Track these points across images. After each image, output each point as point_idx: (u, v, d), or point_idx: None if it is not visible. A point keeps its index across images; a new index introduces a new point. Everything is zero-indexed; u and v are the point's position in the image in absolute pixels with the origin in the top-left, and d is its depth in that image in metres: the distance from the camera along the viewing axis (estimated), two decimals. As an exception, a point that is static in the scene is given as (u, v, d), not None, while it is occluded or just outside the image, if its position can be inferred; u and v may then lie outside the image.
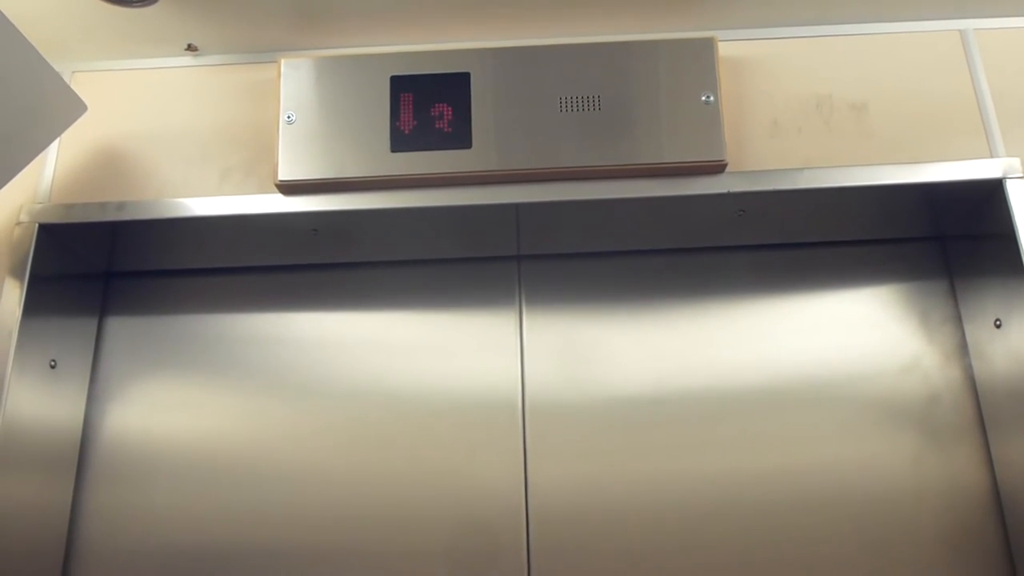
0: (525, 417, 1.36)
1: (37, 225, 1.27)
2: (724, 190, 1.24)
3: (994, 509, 1.29)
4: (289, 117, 1.25)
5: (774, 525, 1.29)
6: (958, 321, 1.39)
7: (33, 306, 1.25)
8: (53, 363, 1.31)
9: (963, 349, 1.37)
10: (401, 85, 1.24)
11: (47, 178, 1.32)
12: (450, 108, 1.23)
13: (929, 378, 1.36)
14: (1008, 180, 1.23)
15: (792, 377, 1.37)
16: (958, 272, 1.41)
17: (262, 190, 1.28)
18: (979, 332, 1.34)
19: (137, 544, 1.32)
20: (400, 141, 1.23)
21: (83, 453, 1.37)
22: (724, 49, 1.29)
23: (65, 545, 1.32)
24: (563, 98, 1.24)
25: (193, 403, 1.40)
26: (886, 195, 1.28)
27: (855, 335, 1.39)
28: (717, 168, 1.23)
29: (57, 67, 1.16)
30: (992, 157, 1.26)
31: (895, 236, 1.44)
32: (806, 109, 1.29)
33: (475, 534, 1.30)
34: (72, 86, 1.22)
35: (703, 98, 1.23)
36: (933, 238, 1.44)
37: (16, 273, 1.25)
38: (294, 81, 1.26)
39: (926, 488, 1.30)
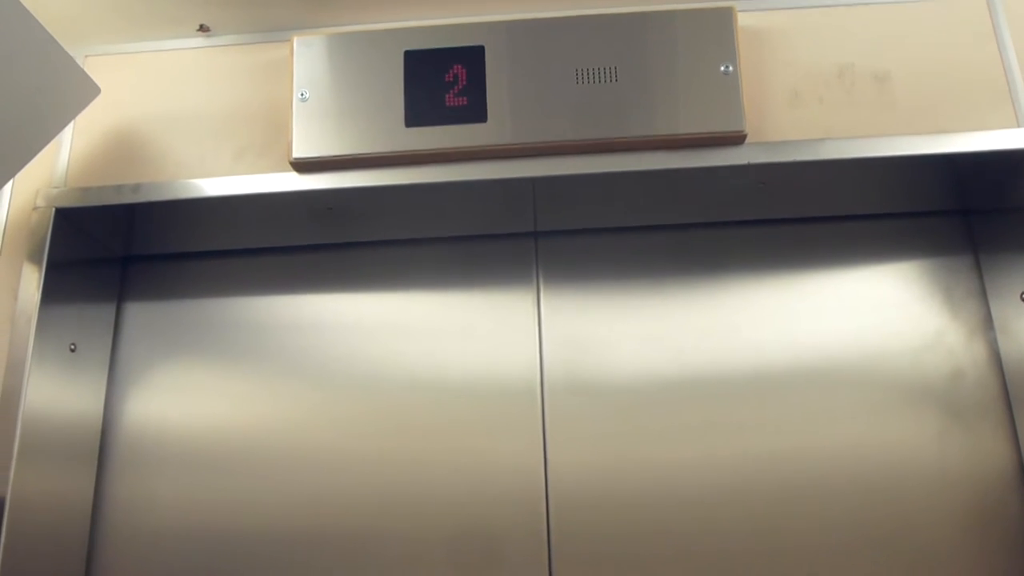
0: (544, 398, 1.35)
1: (54, 209, 1.27)
2: (744, 161, 1.22)
3: (1019, 486, 1.27)
4: (303, 95, 1.24)
5: (795, 507, 1.28)
6: (983, 296, 1.37)
7: (52, 292, 1.25)
8: (73, 347, 1.31)
9: (988, 324, 1.35)
10: (415, 59, 1.23)
11: (62, 162, 1.32)
12: (465, 82, 1.22)
13: (953, 354, 1.34)
14: (1035, 151, 1.21)
15: (814, 356, 1.35)
16: (983, 246, 1.38)
17: (277, 169, 1.27)
18: (1005, 307, 1.32)
19: (158, 528, 1.33)
20: (415, 116, 1.22)
21: (104, 438, 1.37)
22: (743, 19, 1.27)
23: (89, 529, 1.32)
24: (579, 70, 1.22)
25: (212, 388, 1.40)
26: (909, 167, 1.26)
27: (877, 311, 1.37)
28: (737, 139, 1.21)
29: (69, 52, 1.16)
30: (1019, 127, 1.23)
31: (919, 210, 1.41)
32: (827, 79, 1.27)
33: (495, 517, 1.30)
34: (85, 70, 1.21)
35: (722, 68, 1.21)
36: (958, 211, 1.41)
37: (34, 258, 1.25)
38: (307, 59, 1.25)
39: (950, 466, 1.28)
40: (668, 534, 1.28)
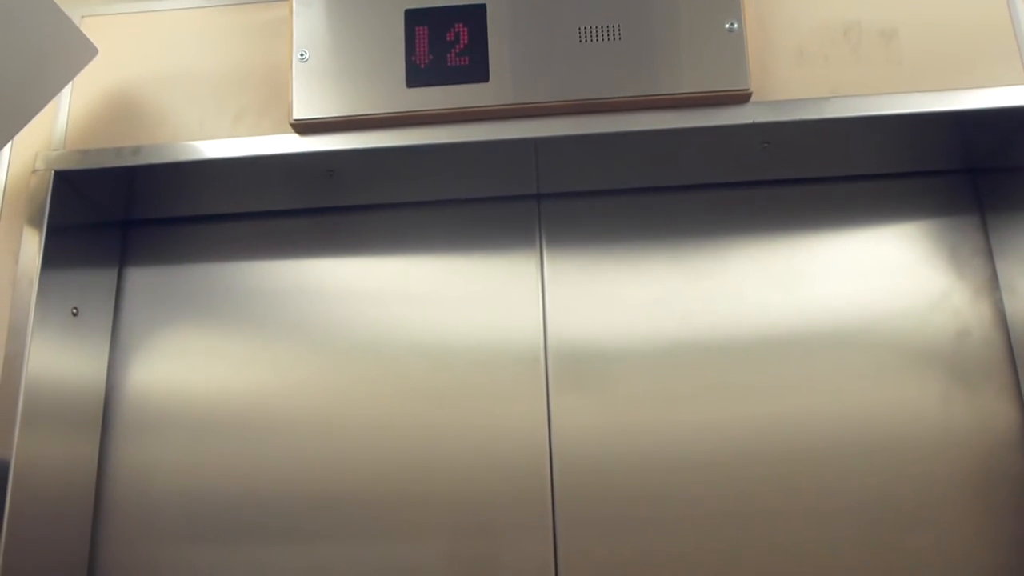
0: (547, 362, 1.35)
1: (53, 172, 1.26)
2: (749, 120, 1.20)
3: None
4: (302, 55, 1.23)
5: (799, 469, 1.27)
6: (989, 255, 1.36)
7: (53, 256, 1.25)
8: (75, 311, 1.31)
9: (994, 284, 1.34)
10: (416, 18, 1.21)
11: (61, 125, 1.31)
12: (466, 41, 1.20)
13: (959, 314, 1.33)
14: (1044, 108, 1.19)
15: (819, 317, 1.35)
16: (990, 206, 1.37)
17: (277, 131, 1.26)
18: (1011, 266, 1.31)
19: (162, 492, 1.33)
20: (416, 76, 1.20)
21: (108, 403, 1.37)
22: (748, -25, 1.25)
23: (94, 493, 1.33)
24: (582, 28, 1.20)
25: (215, 353, 1.40)
26: (916, 125, 1.24)
27: (883, 271, 1.36)
28: (742, 98, 1.20)
29: (66, 12, 1.14)
30: (1027, 84, 1.22)
31: (925, 169, 1.40)
32: (833, 36, 1.25)
33: (499, 482, 1.30)
34: (82, 31, 1.20)
35: (727, 26, 1.19)
36: (964, 171, 1.40)
37: (34, 222, 1.25)
38: (306, 19, 1.24)
39: (955, 426, 1.28)
40: (673, 498, 1.28)
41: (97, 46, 1.20)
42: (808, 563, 1.24)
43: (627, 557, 1.26)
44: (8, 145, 1.29)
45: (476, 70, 1.20)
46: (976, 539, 1.24)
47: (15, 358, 1.19)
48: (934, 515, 1.25)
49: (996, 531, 1.24)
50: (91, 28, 1.32)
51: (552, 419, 1.32)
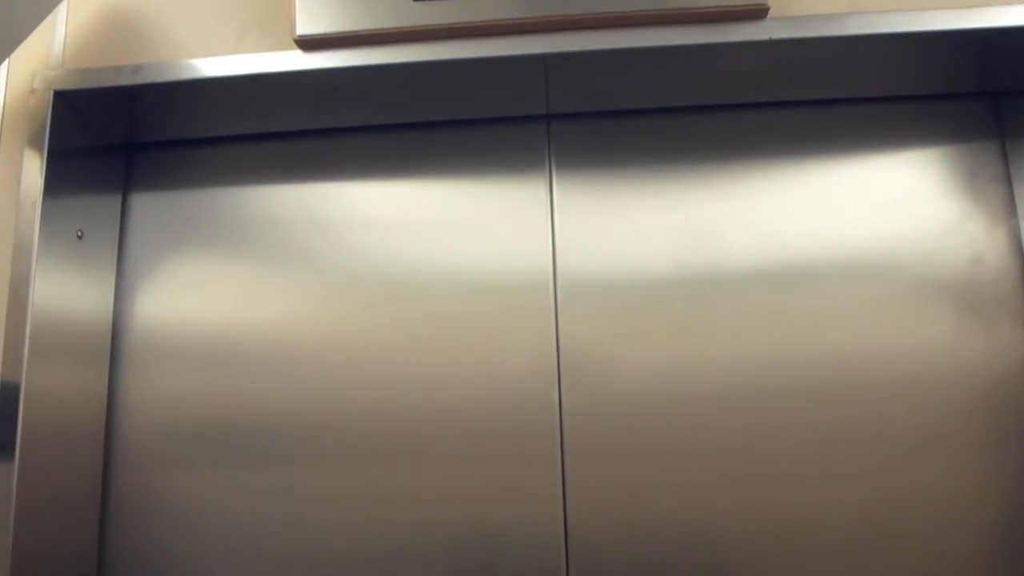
0: (557, 291, 1.34)
1: (52, 92, 1.24)
2: (766, 37, 1.16)
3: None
4: (305, -33, 1.19)
5: (810, 400, 1.27)
6: (1007, 181, 1.33)
7: (55, 180, 1.23)
8: (80, 233, 1.30)
9: (1011, 210, 1.32)
10: (422, -72, 1.17)
11: (58, 43, 1.28)
12: (474, -49, 1.17)
13: (974, 241, 1.31)
14: (1070, 26, 1.15)
15: (832, 243, 1.32)
16: (1011, 130, 1.34)
17: (281, 47, 1.23)
18: (1029, 192, 1.29)
19: (171, 419, 1.34)
20: (422, -11, 1.17)
21: (116, 331, 1.38)
22: None
23: (105, 418, 1.34)
24: (594, -63, 1.16)
25: (222, 280, 1.39)
26: (938, 43, 1.20)
27: (899, 196, 1.34)
28: (759, 13, 1.16)
29: (58, -79, 1.11)
30: (1056, 0, 1.17)
31: (945, 91, 1.36)
32: (855, -52, 1.21)
33: (507, 411, 1.30)
34: (77, -57, 1.17)
35: (744, -64, 1.15)
36: (986, 93, 1.36)
37: (35, 144, 1.23)
38: (308, -70, 1.20)
39: (967, 355, 1.27)
40: (682, 426, 1.28)
41: (92, -40, 1.17)
42: (818, 494, 1.25)
43: (636, 485, 1.26)
44: (5, 64, 1.26)
45: (484, -19, 1.16)
46: (988, 468, 1.24)
47: (21, 281, 1.19)
48: (946, 443, 1.25)
49: (1008, 460, 1.24)
50: (86, -59, 1.29)
51: (560, 346, 1.32)
